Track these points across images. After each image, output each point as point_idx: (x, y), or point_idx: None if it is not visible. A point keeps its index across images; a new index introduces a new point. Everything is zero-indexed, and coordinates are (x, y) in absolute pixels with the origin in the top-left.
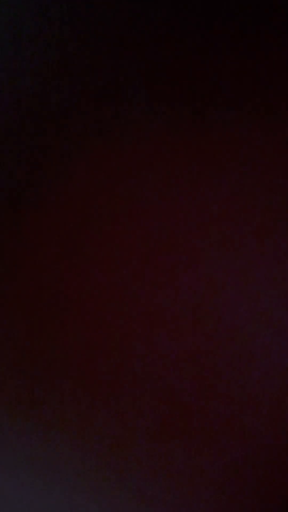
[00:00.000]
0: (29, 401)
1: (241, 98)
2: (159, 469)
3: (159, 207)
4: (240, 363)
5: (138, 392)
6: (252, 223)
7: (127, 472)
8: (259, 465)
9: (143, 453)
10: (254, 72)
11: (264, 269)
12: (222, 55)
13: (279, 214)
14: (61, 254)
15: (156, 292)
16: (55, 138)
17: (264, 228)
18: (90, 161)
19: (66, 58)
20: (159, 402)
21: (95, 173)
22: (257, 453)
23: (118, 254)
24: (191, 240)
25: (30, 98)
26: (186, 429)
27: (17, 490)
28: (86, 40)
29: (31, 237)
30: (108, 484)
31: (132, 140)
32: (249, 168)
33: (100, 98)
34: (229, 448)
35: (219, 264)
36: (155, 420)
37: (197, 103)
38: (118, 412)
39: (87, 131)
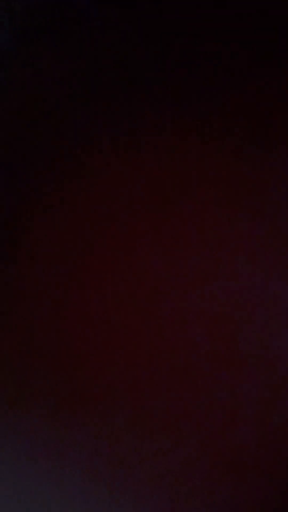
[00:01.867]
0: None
1: (242, 109)
2: (157, 467)
3: (161, 214)
4: (241, 364)
5: (139, 397)
6: (254, 226)
7: (124, 470)
8: (258, 465)
9: (142, 452)
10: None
11: (266, 271)
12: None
13: (280, 215)
14: (63, 258)
15: (158, 300)
16: (52, 152)
17: (267, 229)
18: (90, 175)
19: (74, 67)
20: (160, 402)
21: (96, 182)
22: (257, 452)
23: (120, 255)
24: (193, 247)
25: (31, 106)
26: (187, 428)
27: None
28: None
29: (31, 246)
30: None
31: (134, 150)
32: (250, 173)
33: (100, 104)
34: (229, 446)
35: (221, 267)
36: (156, 420)
37: (200, 112)
38: (118, 411)
39: (87, 141)
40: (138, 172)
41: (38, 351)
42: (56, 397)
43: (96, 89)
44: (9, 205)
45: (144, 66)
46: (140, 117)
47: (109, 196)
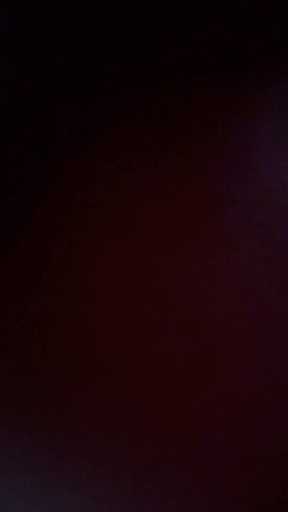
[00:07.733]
0: (26, 401)
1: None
2: (155, 470)
3: (161, 213)
4: (243, 367)
5: (137, 397)
6: (254, 227)
7: (124, 473)
8: (258, 474)
9: (141, 453)
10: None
11: (267, 272)
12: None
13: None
14: (63, 253)
15: (156, 299)
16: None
17: (267, 230)
18: (90, 167)
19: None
20: (158, 403)
21: (95, 174)
22: (257, 458)
23: (120, 254)
24: (192, 246)
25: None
26: (183, 432)
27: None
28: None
29: (31, 237)
30: (103, 480)
31: (131, 147)
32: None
33: (96, 101)
34: (228, 451)
35: (222, 267)
36: (154, 420)
37: (198, 108)
38: (116, 413)
39: (80, 137)
40: (141, 172)
41: (38, 345)
42: (54, 397)
43: (97, 89)
44: (7, 202)
45: (146, 65)
46: (139, 117)
47: (114, 189)
